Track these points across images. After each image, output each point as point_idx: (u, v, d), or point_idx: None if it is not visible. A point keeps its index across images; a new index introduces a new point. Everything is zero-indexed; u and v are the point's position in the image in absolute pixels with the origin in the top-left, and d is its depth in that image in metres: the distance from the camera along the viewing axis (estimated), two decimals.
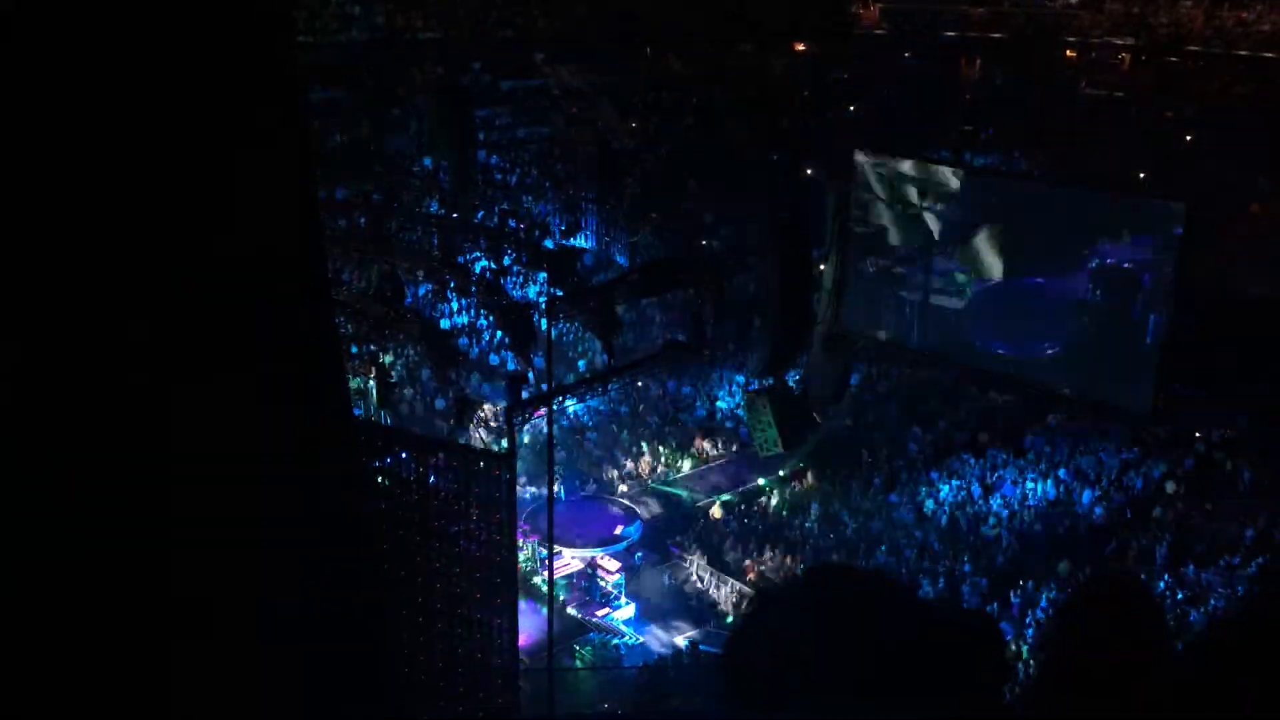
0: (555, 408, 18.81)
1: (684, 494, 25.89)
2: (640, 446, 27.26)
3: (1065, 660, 2.18)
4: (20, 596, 1.54)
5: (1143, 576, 20.61)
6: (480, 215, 35.54)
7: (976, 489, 24.62)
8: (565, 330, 29.74)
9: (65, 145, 1.58)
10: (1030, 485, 24.42)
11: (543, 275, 29.73)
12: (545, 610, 18.26)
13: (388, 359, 27.71)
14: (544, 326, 21.73)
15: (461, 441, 21.24)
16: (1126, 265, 21.83)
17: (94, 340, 1.60)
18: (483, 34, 40.40)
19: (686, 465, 27.01)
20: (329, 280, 2.11)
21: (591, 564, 22.72)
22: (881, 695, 1.39)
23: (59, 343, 1.57)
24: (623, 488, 26.03)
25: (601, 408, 27.81)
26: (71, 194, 1.56)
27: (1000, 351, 24.25)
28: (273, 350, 1.84)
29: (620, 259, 34.75)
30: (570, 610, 21.86)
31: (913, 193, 24.74)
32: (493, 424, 26.18)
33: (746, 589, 22.33)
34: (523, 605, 16.54)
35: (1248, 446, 24.39)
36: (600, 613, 21.92)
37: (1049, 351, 23.41)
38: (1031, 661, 18.16)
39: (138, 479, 1.63)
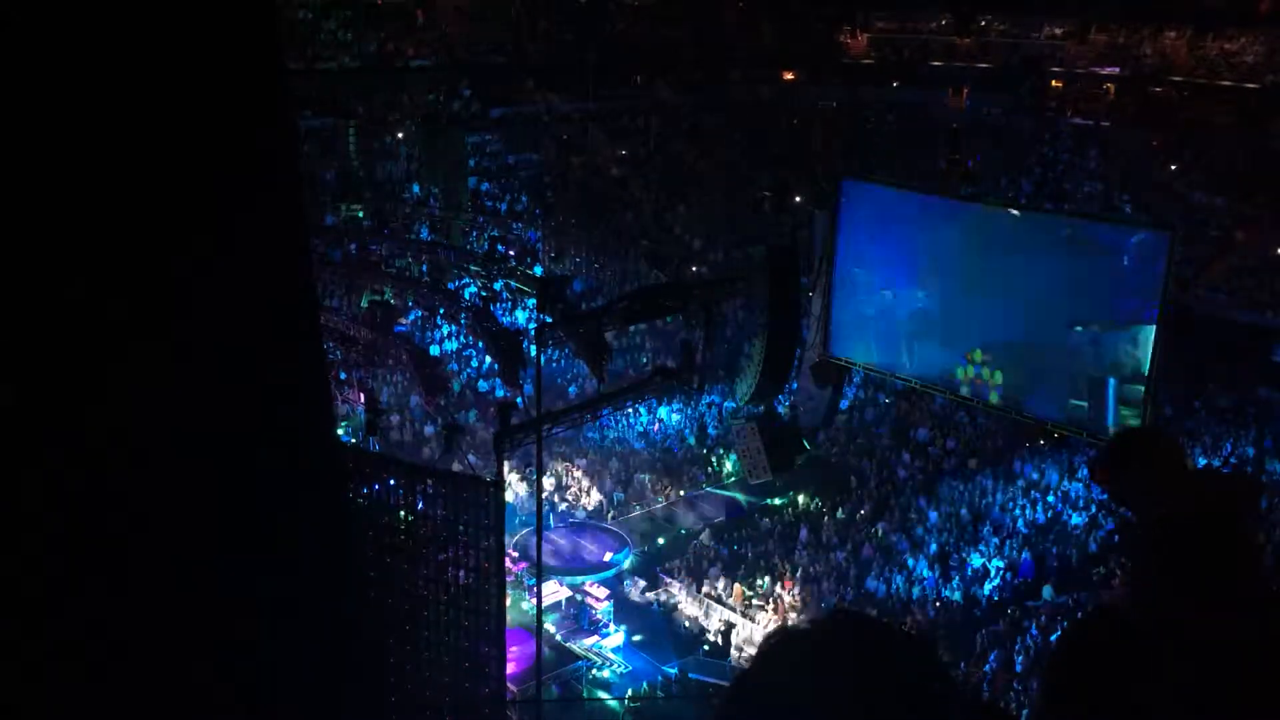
0: (544, 434, 18.75)
1: (741, 497, 26.03)
2: (629, 473, 27.22)
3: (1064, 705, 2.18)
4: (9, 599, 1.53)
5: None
6: (470, 241, 35.62)
7: (965, 514, 24.62)
8: (555, 356, 29.73)
9: (51, 162, 1.58)
10: (1019, 511, 24.44)
11: (532, 301, 29.75)
12: (534, 638, 18.15)
13: (376, 385, 27.66)
14: (533, 353, 21.72)
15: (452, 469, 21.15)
16: (1112, 293, 21.91)
17: (72, 356, 1.60)
18: (473, 61, 40.66)
19: (675, 491, 26.96)
20: (317, 306, 2.12)
21: (580, 591, 22.61)
22: None
23: (40, 360, 1.57)
24: (611, 514, 25.97)
25: (591, 434, 27.75)
26: (53, 212, 1.57)
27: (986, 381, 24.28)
28: (259, 376, 1.84)
29: (610, 285, 34.81)
30: (559, 638, 21.72)
31: (898, 220, 24.83)
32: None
33: (734, 616, 22.25)
34: (510, 633, 16.44)
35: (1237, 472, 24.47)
36: (589, 640, 21.78)
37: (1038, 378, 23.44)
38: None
39: (116, 500, 1.63)
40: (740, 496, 26.63)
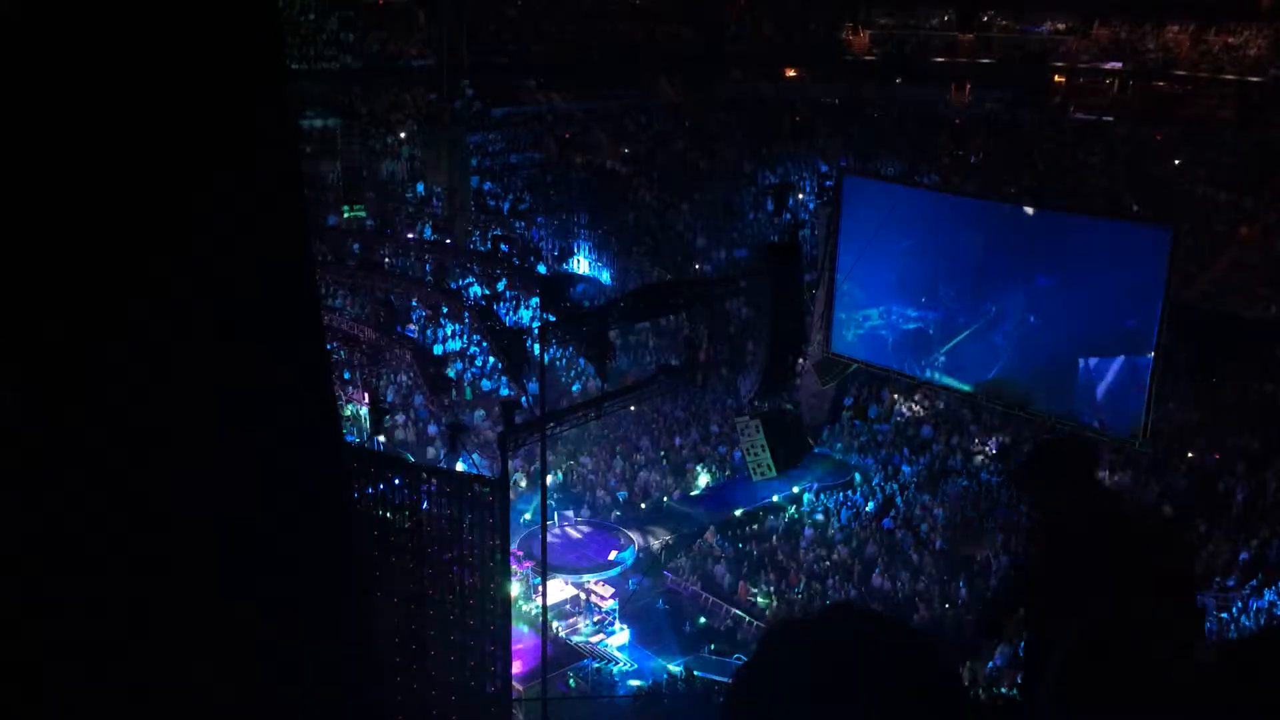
0: (549, 433, 18.76)
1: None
2: (634, 471, 27.22)
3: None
4: (16, 601, 1.54)
5: None
6: (474, 241, 35.66)
7: (970, 512, 24.60)
8: (559, 355, 29.74)
9: (50, 163, 1.59)
10: (1024, 507, 24.39)
11: (536, 300, 29.78)
12: (539, 637, 18.16)
13: (380, 385, 27.69)
14: (537, 351, 21.73)
15: (456, 467, 21.18)
16: (1116, 289, 21.81)
17: (72, 356, 1.60)
18: (475, 60, 40.69)
19: (679, 490, 26.96)
20: (320, 306, 2.12)
21: (585, 590, 22.62)
22: None
23: (39, 361, 1.57)
24: (616, 513, 25.96)
25: (595, 432, 27.75)
26: (52, 213, 1.57)
27: (991, 375, 24.21)
28: (261, 376, 1.85)
29: (613, 283, 34.82)
30: (564, 636, 21.74)
31: (901, 217, 24.75)
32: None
33: (741, 613, 22.25)
34: (516, 632, 16.45)
35: (1240, 467, 24.43)
36: (594, 639, 21.79)
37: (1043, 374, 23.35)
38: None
39: (115, 500, 1.63)
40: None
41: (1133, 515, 2.81)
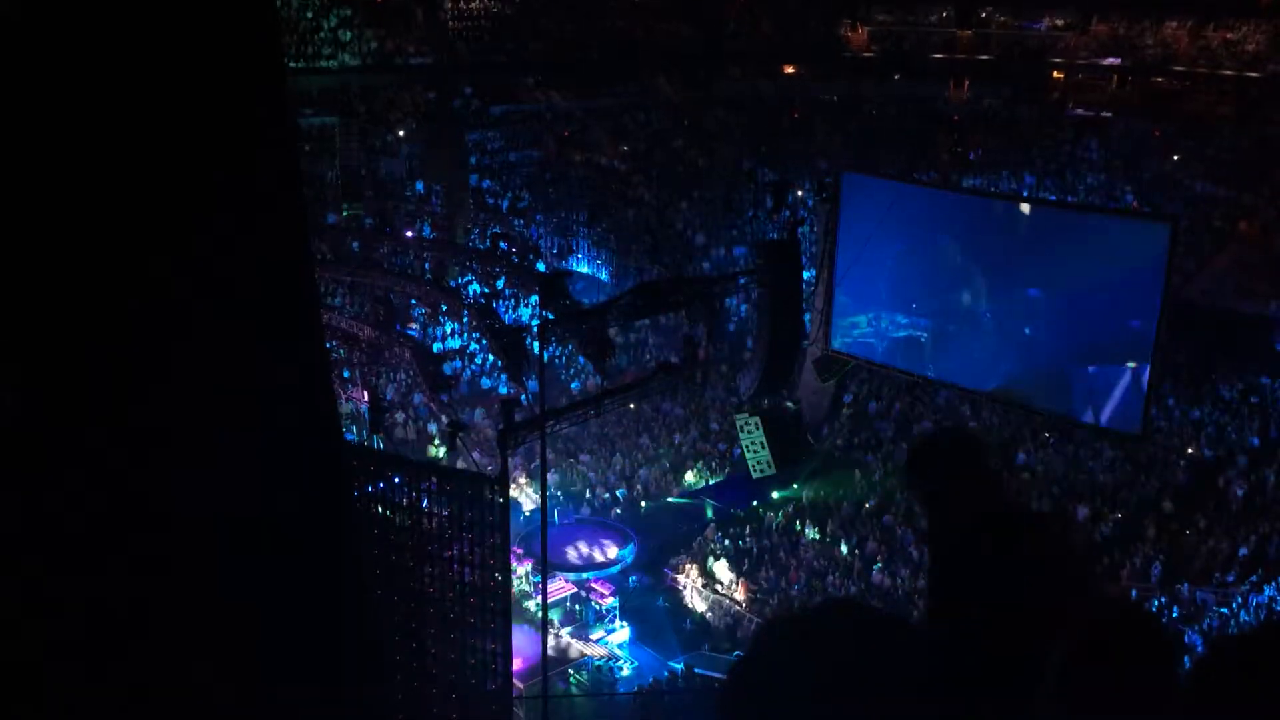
0: (548, 431, 18.75)
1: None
2: (633, 469, 27.22)
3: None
4: (18, 597, 1.54)
5: (1134, 593, 20.60)
6: (473, 238, 35.65)
7: None
8: (558, 353, 29.73)
9: (51, 162, 1.59)
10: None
11: (535, 298, 29.76)
12: (539, 635, 18.17)
13: (380, 383, 27.69)
14: (537, 349, 21.72)
15: (455, 465, 21.18)
16: (1115, 285, 21.77)
17: (72, 356, 1.60)
18: (474, 59, 40.68)
19: (679, 487, 26.95)
20: (319, 304, 2.12)
21: (585, 587, 22.63)
22: None
23: (40, 362, 1.57)
24: (616, 510, 25.96)
25: (595, 430, 27.74)
26: (52, 212, 1.57)
27: (988, 374, 24.20)
28: (261, 375, 1.84)
29: (612, 281, 34.81)
30: (564, 634, 21.75)
31: (900, 214, 24.72)
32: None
33: (741, 610, 22.26)
34: (516, 629, 16.46)
35: (1240, 463, 24.45)
36: (595, 636, 21.80)
37: (1036, 371, 23.34)
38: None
39: (117, 499, 1.63)
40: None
41: (1016, 510, 2.76)
